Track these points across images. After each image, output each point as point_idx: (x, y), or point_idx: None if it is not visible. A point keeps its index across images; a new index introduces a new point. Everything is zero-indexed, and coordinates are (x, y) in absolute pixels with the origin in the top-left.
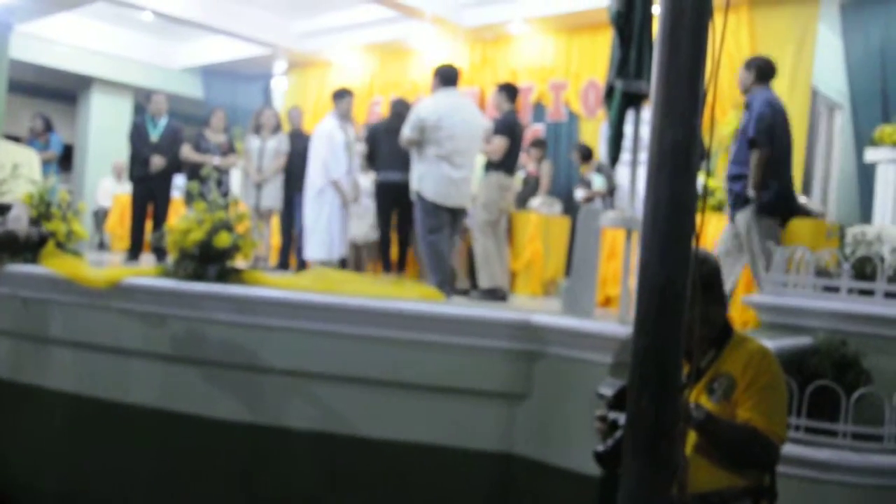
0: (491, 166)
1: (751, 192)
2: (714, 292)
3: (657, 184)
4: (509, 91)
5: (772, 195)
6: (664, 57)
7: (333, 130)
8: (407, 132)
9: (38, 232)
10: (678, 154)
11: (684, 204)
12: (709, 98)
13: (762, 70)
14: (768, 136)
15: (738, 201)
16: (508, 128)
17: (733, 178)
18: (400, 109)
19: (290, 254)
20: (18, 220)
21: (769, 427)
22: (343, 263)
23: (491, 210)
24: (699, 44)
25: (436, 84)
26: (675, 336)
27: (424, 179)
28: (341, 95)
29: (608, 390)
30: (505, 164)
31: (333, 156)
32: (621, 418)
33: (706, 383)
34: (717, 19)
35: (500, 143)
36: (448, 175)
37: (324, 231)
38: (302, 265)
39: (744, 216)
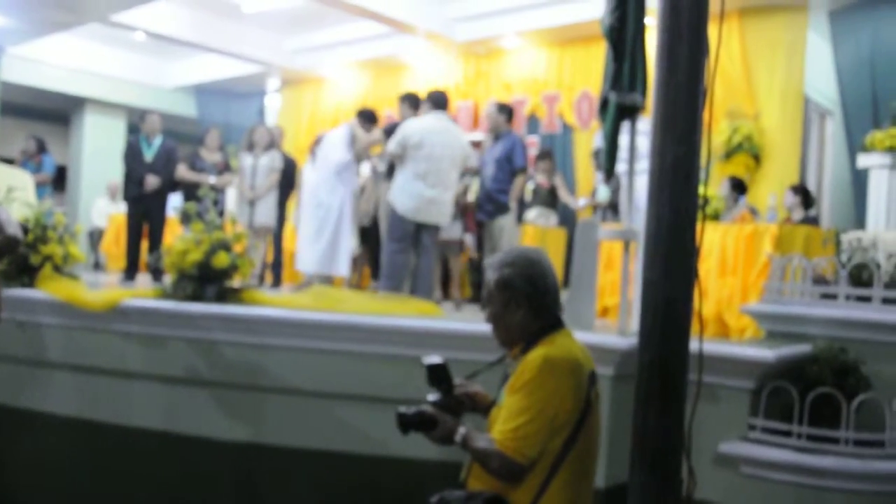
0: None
1: (512, 204)
2: (510, 295)
3: (659, 201)
4: (412, 101)
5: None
6: (663, 75)
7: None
8: (391, 147)
9: (25, 229)
10: (679, 171)
11: (686, 220)
12: (705, 113)
13: (509, 112)
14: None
15: (502, 209)
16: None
17: (498, 191)
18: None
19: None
20: (10, 223)
21: (501, 439)
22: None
23: None
24: (697, 62)
25: (427, 107)
26: (679, 350)
27: (399, 193)
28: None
29: (430, 360)
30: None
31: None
32: (431, 395)
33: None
34: (712, 33)
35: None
36: (421, 193)
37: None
38: (278, 281)
39: (506, 220)
